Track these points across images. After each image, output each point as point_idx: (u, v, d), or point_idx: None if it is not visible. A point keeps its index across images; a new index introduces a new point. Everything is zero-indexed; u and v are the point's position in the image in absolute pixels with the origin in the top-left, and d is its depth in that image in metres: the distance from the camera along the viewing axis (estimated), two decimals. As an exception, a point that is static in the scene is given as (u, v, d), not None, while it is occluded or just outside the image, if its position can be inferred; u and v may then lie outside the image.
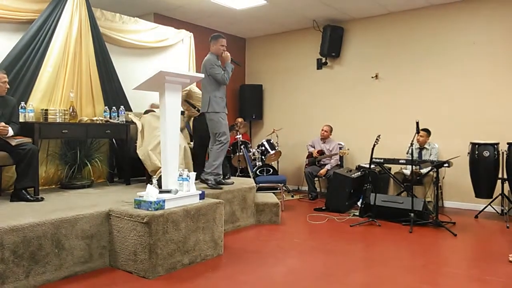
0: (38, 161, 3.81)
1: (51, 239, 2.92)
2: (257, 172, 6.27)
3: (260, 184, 5.45)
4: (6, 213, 3.13)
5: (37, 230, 2.84)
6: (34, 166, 3.70)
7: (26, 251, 2.78)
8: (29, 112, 4.08)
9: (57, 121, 4.20)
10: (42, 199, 3.68)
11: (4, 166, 3.91)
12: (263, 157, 6.51)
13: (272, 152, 6.51)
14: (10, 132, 3.63)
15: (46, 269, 2.89)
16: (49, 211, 3.15)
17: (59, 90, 4.44)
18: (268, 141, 6.66)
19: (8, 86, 3.77)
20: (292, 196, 6.65)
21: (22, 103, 4.07)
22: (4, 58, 4.12)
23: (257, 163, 6.43)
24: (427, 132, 5.64)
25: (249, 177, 5.59)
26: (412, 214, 4.55)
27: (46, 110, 4.19)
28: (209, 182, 4.34)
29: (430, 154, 5.69)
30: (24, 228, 2.78)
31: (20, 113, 3.98)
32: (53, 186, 4.53)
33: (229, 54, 4.43)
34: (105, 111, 4.74)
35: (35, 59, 4.26)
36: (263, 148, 6.56)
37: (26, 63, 4.21)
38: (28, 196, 3.62)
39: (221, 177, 4.51)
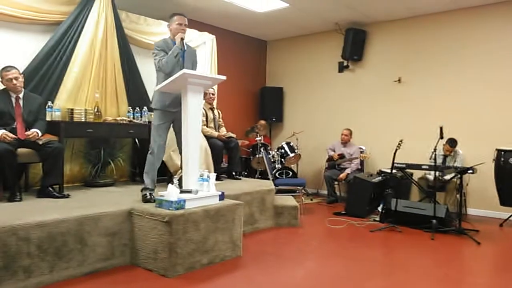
0: (63, 159, 3.91)
1: (75, 236, 2.99)
2: (276, 174, 6.27)
3: (279, 187, 5.44)
4: (32, 209, 3.22)
5: (61, 226, 2.92)
6: (60, 164, 3.81)
7: (50, 246, 2.86)
8: (55, 111, 4.19)
9: (82, 120, 4.30)
10: (68, 195, 3.78)
11: (31, 163, 4.03)
12: (282, 159, 6.51)
13: (291, 155, 6.51)
14: (39, 134, 3.75)
15: (69, 265, 2.96)
16: (73, 208, 3.23)
17: (84, 90, 4.55)
18: (288, 143, 6.66)
19: (15, 83, 3.70)
20: (311, 200, 6.61)
21: (49, 102, 4.19)
22: (33, 58, 4.25)
23: (277, 166, 6.43)
24: (453, 144, 5.50)
25: (268, 179, 5.59)
26: (434, 221, 4.47)
27: (72, 109, 4.29)
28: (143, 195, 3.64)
29: (455, 161, 5.58)
30: (49, 224, 2.86)
31: (47, 112, 4.09)
32: (77, 184, 4.64)
33: (182, 35, 3.66)
34: (128, 112, 4.83)
35: (62, 60, 4.38)
36: (283, 150, 6.56)
37: (53, 64, 4.33)
38: (54, 193, 3.72)
39: (149, 193, 3.62)
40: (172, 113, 3.73)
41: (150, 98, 5.21)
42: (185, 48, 3.71)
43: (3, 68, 3.72)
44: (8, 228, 2.67)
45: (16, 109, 3.74)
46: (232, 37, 7.34)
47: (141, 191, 3.69)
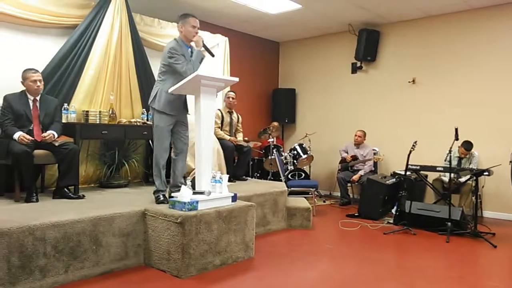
0: (79, 161, 3.98)
1: (90, 236, 3.03)
2: (289, 176, 6.26)
3: (292, 188, 5.43)
4: (48, 209, 3.28)
5: (76, 226, 2.96)
6: (75, 165, 3.87)
7: (66, 246, 2.90)
8: (71, 113, 4.26)
9: (97, 122, 4.36)
10: (83, 196, 3.84)
11: (47, 165, 4.10)
12: (295, 161, 6.50)
13: (304, 156, 6.49)
14: (55, 135, 3.83)
15: (84, 265, 3.00)
16: (88, 209, 3.28)
17: (99, 92, 4.62)
18: (300, 145, 6.64)
19: (39, 85, 3.80)
20: (324, 201, 6.58)
21: (65, 104, 4.26)
22: (50, 61, 4.33)
23: (289, 167, 6.42)
24: (469, 147, 5.40)
25: (281, 181, 5.59)
26: (449, 223, 4.42)
27: (87, 111, 4.37)
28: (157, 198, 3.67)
29: (470, 163, 5.49)
30: (64, 224, 2.91)
31: (62, 114, 4.17)
32: (92, 185, 4.71)
33: (202, 38, 3.64)
34: (142, 113, 4.88)
35: (78, 62, 4.46)
36: (295, 152, 6.54)
37: (69, 66, 4.41)
38: (70, 194, 3.79)
39: (161, 194, 3.67)
40: (175, 116, 3.69)
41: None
42: (214, 54, 3.72)
43: (28, 69, 3.81)
44: (25, 228, 2.72)
45: (33, 111, 3.82)
46: (245, 39, 7.37)
47: (154, 193, 3.72)
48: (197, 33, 3.64)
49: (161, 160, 3.66)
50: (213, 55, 3.75)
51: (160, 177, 3.67)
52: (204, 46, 3.66)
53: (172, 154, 3.78)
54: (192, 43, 3.71)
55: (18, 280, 2.67)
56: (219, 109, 5.44)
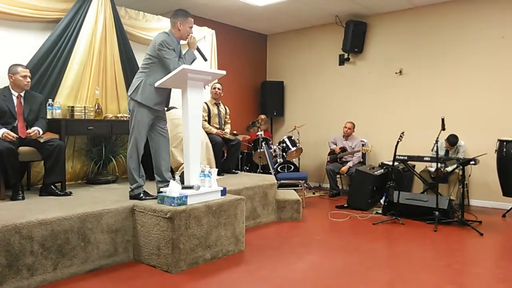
0: (65, 157, 3.92)
1: (78, 233, 3.00)
2: (278, 168, 6.27)
3: (281, 181, 5.44)
4: (35, 207, 3.22)
5: (64, 224, 2.92)
6: (61, 162, 3.81)
7: (54, 244, 2.87)
8: (56, 109, 4.18)
9: (83, 118, 4.30)
10: (70, 193, 3.79)
11: (33, 162, 4.04)
12: (284, 153, 6.51)
13: (293, 148, 6.50)
14: (40, 132, 3.76)
15: (73, 262, 2.97)
16: (75, 206, 3.24)
17: (85, 87, 4.54)
18: (289, 137, 6.65)
19: (29, 80, 3.80)
20: (314, 193, 6.62)
21: (50, 100, 4.18)
22: (32, 56, 4.22)
23: (278, 160, 6.43)
24: (453, 141, 5.44)
25: (270, 173, 5.59)
26: (436, 213, 4.47)
27: (73, 107, 4.29)
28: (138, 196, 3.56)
29: (457, 152, 5.56)
30: (52, 221, 2.87)
31: (47, 110, 4.09)
32: (79, 182, 4.65)
33: (196, 39, 3.67)
34: (129, 108, 4.81)
35: (62, 57, 4.36)
36: (284, 144, 6.56)
37: (53, 61, 4.31)
38: (56, 191, 3.74)
39: (140, 191, 3.57)
40: (158, 110, 3.63)
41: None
42: (207, 59, 3.75)
43: (17, 64, 3.76)
44: (11, 227, 2.67)
45: (18, 108, 3.75)
46: (232, 32, 7.32)
47: (133, 190, 3.57)
48: (192, 32, 3.63)
49: (139, 154, 3.57)
50: (206, 59, 3.74)
51: (139, 170, 3.59)
52: (198, 49, 3.64)
53: (151, 149, 3.72)
54: (184, 42, 3.65)
55: (6, 279, 2.63)
56: (204, 102, 5.39)
